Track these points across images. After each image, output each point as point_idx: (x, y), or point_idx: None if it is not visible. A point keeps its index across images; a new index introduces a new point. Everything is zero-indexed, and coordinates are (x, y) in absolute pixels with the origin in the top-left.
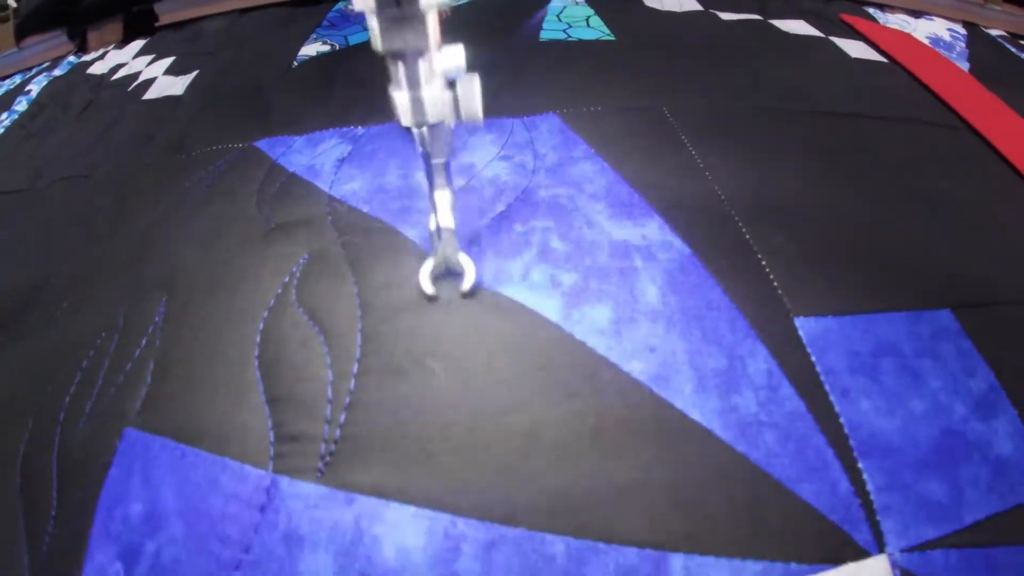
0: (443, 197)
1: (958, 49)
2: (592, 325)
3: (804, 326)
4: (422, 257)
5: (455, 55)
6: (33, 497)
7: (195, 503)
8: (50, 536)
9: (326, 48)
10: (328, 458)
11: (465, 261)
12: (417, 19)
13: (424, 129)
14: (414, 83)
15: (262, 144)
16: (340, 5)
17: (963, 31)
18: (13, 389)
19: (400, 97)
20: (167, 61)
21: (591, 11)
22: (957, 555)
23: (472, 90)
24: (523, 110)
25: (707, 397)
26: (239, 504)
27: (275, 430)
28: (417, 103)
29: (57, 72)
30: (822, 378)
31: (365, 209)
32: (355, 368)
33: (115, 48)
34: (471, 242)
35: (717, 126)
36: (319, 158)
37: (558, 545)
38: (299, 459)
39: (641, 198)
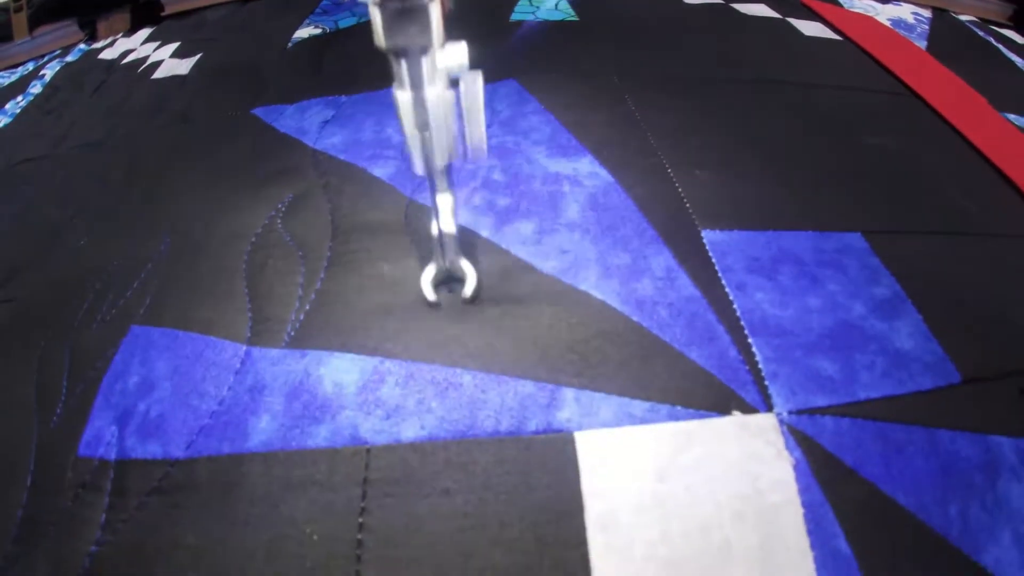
0: (445, 202)
1: (919, 30)
2: (516, 236)
3: (709, 236)
4: (387, 190)
5: (458, 53)
6: (46, 385)
7: (182, 371)
8: (58, 415)
9: (317, 31)
10: (293, 332)
11: (466, 267)
12: (420, 13)
13: (427, 134)
14: (417, 82)
15: (258, 111)
16: None
17: (928, 15)
18: (36, 309)
19: (403, 97)
20: (173, 46)
21: None
22: (849, 423)
23: (475, 88)
24: (487, 78)
25: (609, 282)
26: (218, 369)
27: (253, 314)
28: (420, 103)
29: (69, 58)
30: (720, 274)
31: (342, 157)
32: (323, 271)
33: (123, 36)
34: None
35: (661, 90)
36: (306, 121)
37: (465, 376)
38: (270, 336)
39: (578, 142)
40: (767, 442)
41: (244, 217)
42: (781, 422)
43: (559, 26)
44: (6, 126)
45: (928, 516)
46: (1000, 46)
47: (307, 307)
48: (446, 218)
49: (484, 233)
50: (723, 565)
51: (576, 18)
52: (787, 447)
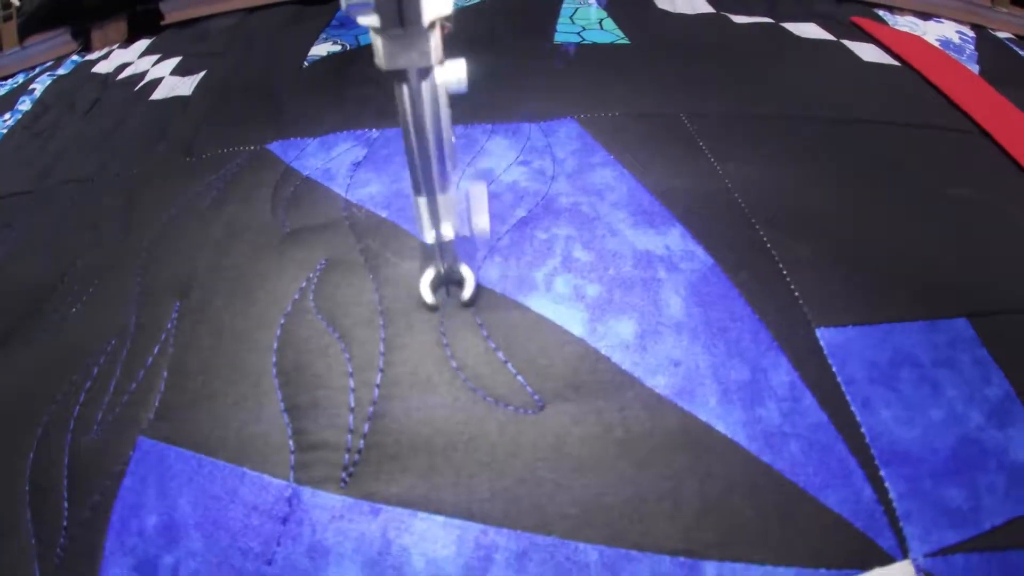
0: (446, 202)
1: (968, 52)
2: (617, 339)
3: (825, 336)
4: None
5: (457, 69)
6: (43, 508)
7: (214, 515)
8: (62, 549)
9: (336, 48)
10: (352, 468)
11: (465, 270)
12: (421, 36)
13: (424, 137)
14: (417, 100)
15: (274, 147)
16: None
17: (972, 33)
18: (21, 396)
19: (403, 113)
20: (174, 61)
21: (604, 13)
22: (978, 559)
23: (481, 204)
24: (540, 115)
25: (731, 409)
26: (260, 516)
27: (295, 439)
28: (419, 118)
29: (61, 71)
30: (843, 388)
31: (383, 214)
32: (378, 378)
33: (119, 47)
34: (492, 249)
35: (733, 132)
36: (334, 161)
37: (591, 553)
38: (321, 469)
39: (662, 206)
40: None
41: (270, 290)
42: (918, 569)
43: (609, 50)
44: None
45: None
46: None
47: (364, 428)
48: (446, 220)
49: (576, 331)
50: None
51: (626, 40)
52: None
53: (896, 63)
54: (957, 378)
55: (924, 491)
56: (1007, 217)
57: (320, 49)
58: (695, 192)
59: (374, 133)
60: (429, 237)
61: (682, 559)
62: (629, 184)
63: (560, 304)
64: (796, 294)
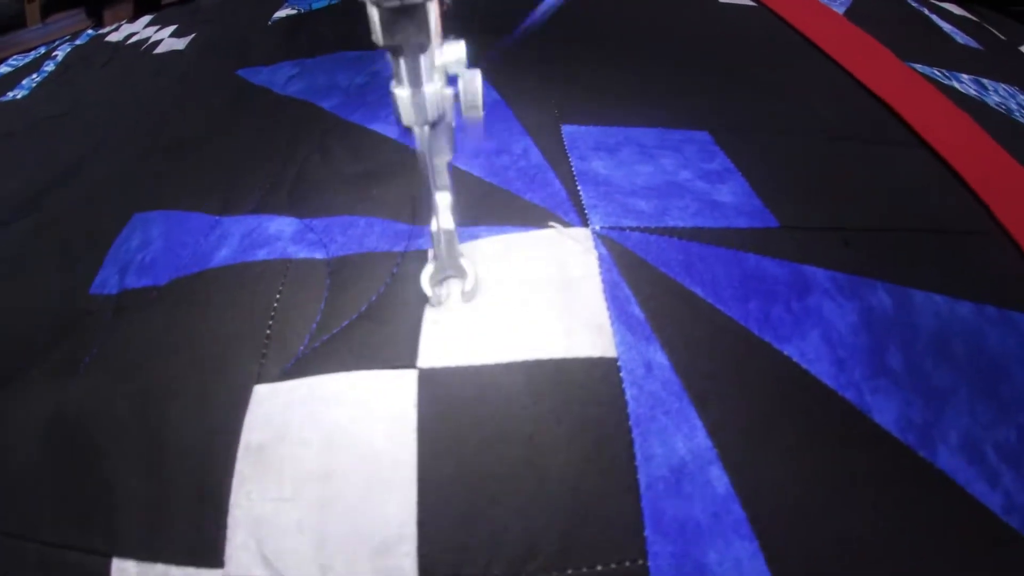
0: (444, 199)
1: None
2: None
3: (567, 130)
4: (322, 114)
5: (456, 50)
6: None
7: (171, 231)
8: (76, 269)
9: (293, 11)
10: (252, 206)
11: (466, 264)
12: (418, 11)
13: (425, 128)
14: (415, 79)
15: (241, 71)
16: None
17: None
18: (61, 226)
19: (401, 93)
20: (172, 27)
21: None
22: (656, 239)
23: (474, 86)
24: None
25: (476, 162)
26: (198, 230)
27: (224, 200)
28: (418, 100)
29: (79, 42)
30: (567, 152)
31: (300, 97)
32: (277, 167)
33: (127, 23)
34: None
35: (570, 51)
36: (276, 76)
37: None
38: (237, 208)
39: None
40: (577, 242)
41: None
42: (593, 233)
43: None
44: (24, 97)
45: (725, 307)
46: (933, 16)
47: (262, 194)
48: (444, 215)
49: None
50: (522, 312)
51: None
52: (595, 247)
53: (751, 4)
54: (678, 155)
55: (612, 198)
56: (792, 80)
57: (282, 13)
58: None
59: (308, 60)
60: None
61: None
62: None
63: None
64: (554, 107)
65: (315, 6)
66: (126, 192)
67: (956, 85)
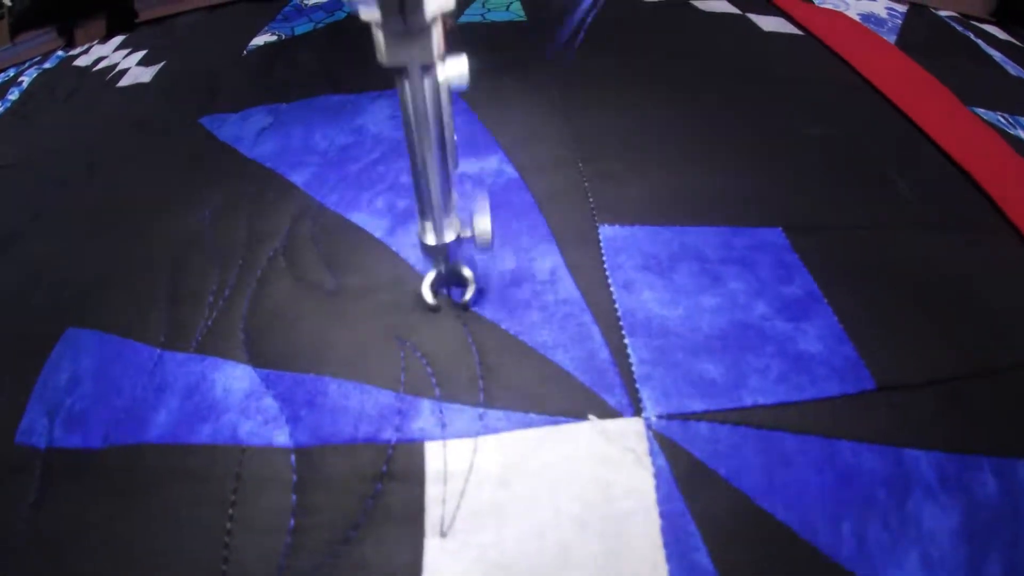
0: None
1: (890, 25)
2: (408, 239)
3: (605, 231)
4: (293, 192)
5: (459, 65)
6: None
7: (104, 369)
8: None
9: (273, 39)
10: (200, 338)
11: (466, 272)
12: (423, 31)
13: (428, 142)
14: (418, 96)
15: (204, 120)
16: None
17: (902, 9)
18: None
19: (406, 110)
20: (141, 53)
21: None
22: (728, 431)
23: (483, 226)
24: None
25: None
26: (135, 370)
27: (169, 321)
28: (421, 116)
29: (47, 65)
30: (607, 272)
31: (269, 165)
32: (233, 277)
33: (99, 43)
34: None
35: (591, 83)
36: (244, 129)
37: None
38: (182, 341)
39: (492, 138)
40: (626, 448)
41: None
42: (648, 427)
43: (509, 27)
44: None
45: (812, 534)
46: (980, 41)
47: (215, 313)
48: (448, 222)
49: (377, 234)
50: (559, 571)
51: (524, 18)
52: (650, 453)
53: (799, 33)
54: (747, 274)
55: (672, 361)
56: (866, 153)
57: (259, 40)
58: (527, 129)
59: (283, 106)
60: (429, 239)
61: (403, 395)
62: (474, 127)
63: (372, 216)
64: (589, 199)
65: (298, 31)
66: (62, 289)
67: (1021, 134)
